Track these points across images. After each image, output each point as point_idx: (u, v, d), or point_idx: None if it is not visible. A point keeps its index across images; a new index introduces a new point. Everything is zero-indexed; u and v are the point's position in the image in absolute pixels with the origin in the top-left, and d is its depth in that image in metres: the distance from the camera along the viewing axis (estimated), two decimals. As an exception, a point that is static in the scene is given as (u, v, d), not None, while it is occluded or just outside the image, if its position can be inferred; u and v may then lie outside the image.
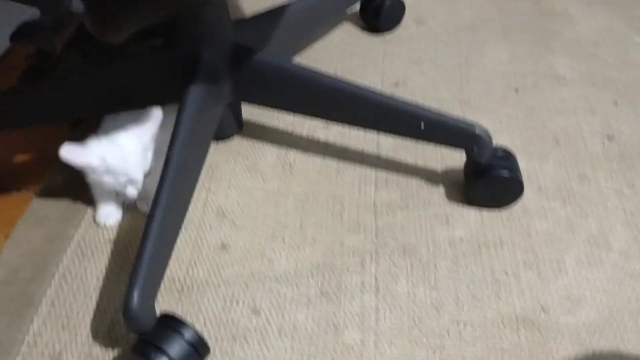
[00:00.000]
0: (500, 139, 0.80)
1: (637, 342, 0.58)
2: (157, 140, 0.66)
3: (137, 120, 0.66)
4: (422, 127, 0.67)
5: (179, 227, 0.60)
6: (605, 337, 0.59)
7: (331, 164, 0.77)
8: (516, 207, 0.71)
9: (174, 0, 0.56)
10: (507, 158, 0.69)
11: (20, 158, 0.80)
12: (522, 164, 0.75)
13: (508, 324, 0.60)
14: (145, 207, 0.69)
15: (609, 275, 0.64)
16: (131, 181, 0.64)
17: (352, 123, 0.71)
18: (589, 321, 0.60)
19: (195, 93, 0.65)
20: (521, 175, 0.69)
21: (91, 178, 0.65)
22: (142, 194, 0.67)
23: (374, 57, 0.94)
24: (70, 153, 0.62)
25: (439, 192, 0.73)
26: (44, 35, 0.51)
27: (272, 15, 0.80)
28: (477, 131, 0.66)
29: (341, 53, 0.95)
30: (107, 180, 0.63)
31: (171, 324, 0.53)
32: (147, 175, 0.65)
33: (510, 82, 0.89)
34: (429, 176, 0.75)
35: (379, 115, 0.68)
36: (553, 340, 0.59)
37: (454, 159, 0.77)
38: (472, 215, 0.70)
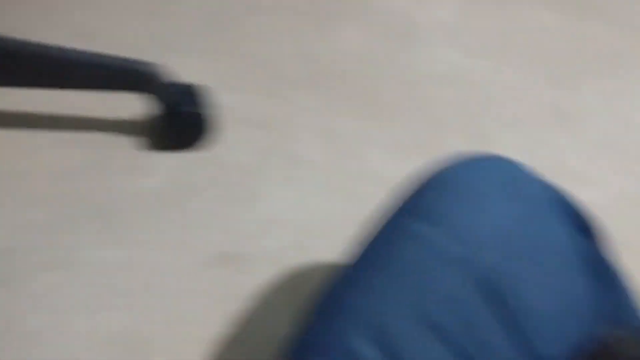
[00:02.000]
0: (194, 76, 0.74)
1: (340, 253, 0.59)
2: None
3: None
4: (90, 75, 0.60)
5: None
6: (306, 253, 0.60)
7: (4, 134, 0.66)
8: (217, 145, 0.68)
9: None
10: (193, 94, 0.66)
11: None
12: (224, 98, 0.73)
13: (211, 264, 0.58)
14: None
15: (304, 191, 0.66)
16: None
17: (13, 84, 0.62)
18: (285, 244, 0.60)
19: None
20: (211, 111, 0.66)
21: None
22: None
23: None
24: None
25: (129, 143, 0.67)
26: None
27: None
28: (154, 70, 0.62)
29: None
30: None
31: None
32: None
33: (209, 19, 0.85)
34: (116, 128, 0.68)
35: (35, 69, 0.60)
36: (257, 268, 0.58)
37: (141, 104, 0.71)
38: (167, 161, 0.66)
